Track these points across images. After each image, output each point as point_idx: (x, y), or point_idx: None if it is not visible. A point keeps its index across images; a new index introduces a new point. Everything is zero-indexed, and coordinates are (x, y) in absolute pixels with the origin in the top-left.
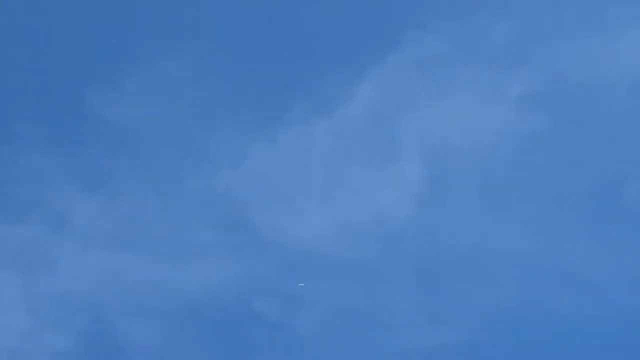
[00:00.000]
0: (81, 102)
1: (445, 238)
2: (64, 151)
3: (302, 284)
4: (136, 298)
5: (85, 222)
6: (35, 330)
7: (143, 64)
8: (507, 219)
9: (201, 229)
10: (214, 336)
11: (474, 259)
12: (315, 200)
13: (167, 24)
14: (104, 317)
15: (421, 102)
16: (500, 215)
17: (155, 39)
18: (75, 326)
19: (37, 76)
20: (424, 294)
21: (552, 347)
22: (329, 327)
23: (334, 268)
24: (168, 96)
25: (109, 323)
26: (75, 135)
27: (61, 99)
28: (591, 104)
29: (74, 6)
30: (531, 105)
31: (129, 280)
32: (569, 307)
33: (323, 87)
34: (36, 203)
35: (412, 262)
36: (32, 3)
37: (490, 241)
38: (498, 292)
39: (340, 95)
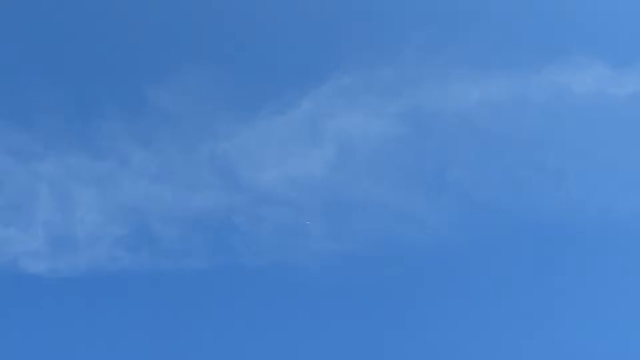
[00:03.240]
0: (141, 93)
1: (344, 190)
2: (133, 122)
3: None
4: (166, 211)
5: (142, 164)
6: (106, 223)
7: (176, 71)
8: (381, 183)
9: (205, 173)
10: (209, 234)
11: (359, 204)
12: (273, 163)
13: (186, 46)
14: (146, 220)
15: (339, 114)
16: (378, 181)
17: (181, 55)
18: (129, 225)
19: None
20: (328, 221)
21: (396, 256)
22: (275, 234)
23: (278, 201)
24: (191, 94)
25: (150, 223)
26: (139, 115)
27: (127, 91)
28: (440, 123)
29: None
30: (403, 121)
31: (163, 202)
32: (408, 236)
33: (282, 99)
34: (114, 151)
35: (323, 203)
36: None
37: (370, 195)
38: (372, 224)
39: (292, 105)
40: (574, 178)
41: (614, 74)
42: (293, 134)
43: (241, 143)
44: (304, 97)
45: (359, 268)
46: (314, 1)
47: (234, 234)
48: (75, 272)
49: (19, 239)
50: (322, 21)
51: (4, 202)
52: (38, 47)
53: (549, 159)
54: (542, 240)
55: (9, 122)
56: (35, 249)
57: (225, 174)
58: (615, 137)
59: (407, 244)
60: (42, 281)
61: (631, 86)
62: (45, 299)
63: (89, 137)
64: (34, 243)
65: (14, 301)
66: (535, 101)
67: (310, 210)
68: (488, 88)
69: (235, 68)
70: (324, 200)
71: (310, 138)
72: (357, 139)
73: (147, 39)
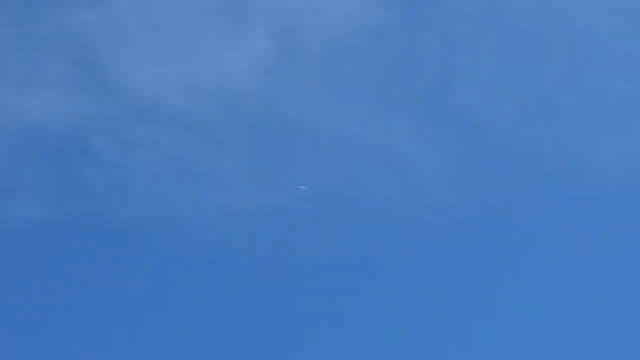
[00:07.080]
0: None
1: (282, 110)
2: None
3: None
4: None
5: None
6: None
7: None
8: (343, 102)
9: (51, 62)
10: (49, 165)
11: (306, 133)
12: (165, 55)
13: None
14: None
15: None
16: (338, 97)
17: None
18: None
19: None
20: (254, 158)
21: (359, 224)
22: (162, 173)
23: (173, 120)
24: None
25: None
26: None
27: None
28: (445, 9)
29: None
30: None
31: None
32: (386, 190)
33: None
34: None
35: (248, 128)
36: None
37: (325, 120)
38: (324, 166)
39: None
40: None
41: None
42: (202, 5)
43: (111, 15)
44: None
45: (296, 233)
46: None
47: (93, 168)
48: None
49: None
50: None
51: None
52: None
53: (615, 82)
54: (583, 208)
55: None
56: None
57: (83, 67)
58: None
59: (379, 203)
60: None
61: None
62: None
63: None
64: None
65: None
66: None
67: (224, 136)
68: None
69: None
70: (249, 122)
71: (232, 15)
72: (308, 22)
73: None
